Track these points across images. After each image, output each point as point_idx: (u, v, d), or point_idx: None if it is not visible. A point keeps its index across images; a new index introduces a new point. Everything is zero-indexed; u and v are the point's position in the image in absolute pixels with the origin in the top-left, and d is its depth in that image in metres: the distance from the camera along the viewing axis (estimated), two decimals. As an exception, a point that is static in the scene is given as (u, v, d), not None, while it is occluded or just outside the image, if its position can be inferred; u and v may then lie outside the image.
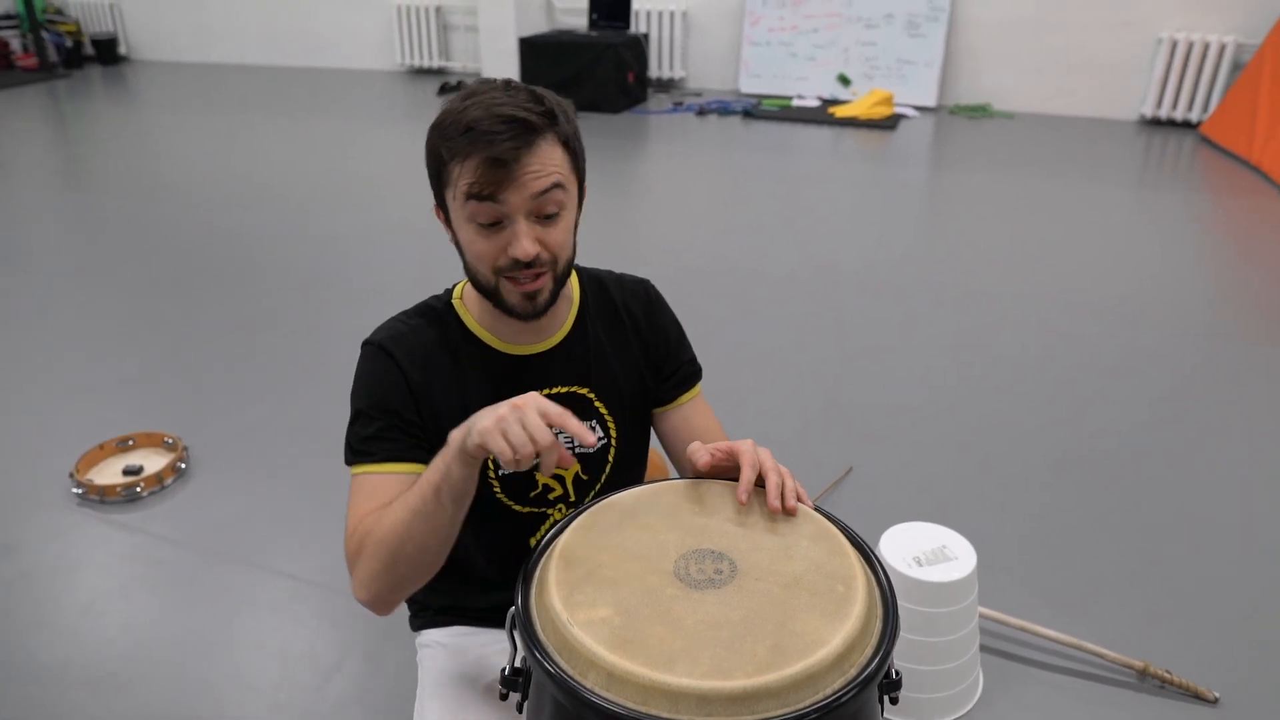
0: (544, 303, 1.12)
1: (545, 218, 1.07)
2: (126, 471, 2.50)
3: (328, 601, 2.11)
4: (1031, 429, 2.81)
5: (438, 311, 1.21)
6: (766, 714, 0.80)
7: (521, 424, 0.93)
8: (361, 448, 1.14)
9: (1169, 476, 2.58)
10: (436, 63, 8.78)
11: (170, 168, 5.86)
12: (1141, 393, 3.02)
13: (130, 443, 2.63)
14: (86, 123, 7.26)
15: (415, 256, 4.24)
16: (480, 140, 1.01)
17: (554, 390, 1.22)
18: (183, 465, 2.55)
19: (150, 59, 9.91)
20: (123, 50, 9.86)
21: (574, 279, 1.27)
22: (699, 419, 1.32)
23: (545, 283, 1.10)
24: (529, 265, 1.07)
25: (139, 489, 2.44)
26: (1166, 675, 1.85)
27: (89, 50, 9.68)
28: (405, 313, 1.22)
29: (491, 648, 1.32)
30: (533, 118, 1.03)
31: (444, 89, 8.03)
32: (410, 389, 1.15)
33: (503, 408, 0.95)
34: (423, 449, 1.14)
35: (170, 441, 2.63)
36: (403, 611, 1.46)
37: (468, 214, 1.06)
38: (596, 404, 1.25)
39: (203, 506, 2.44)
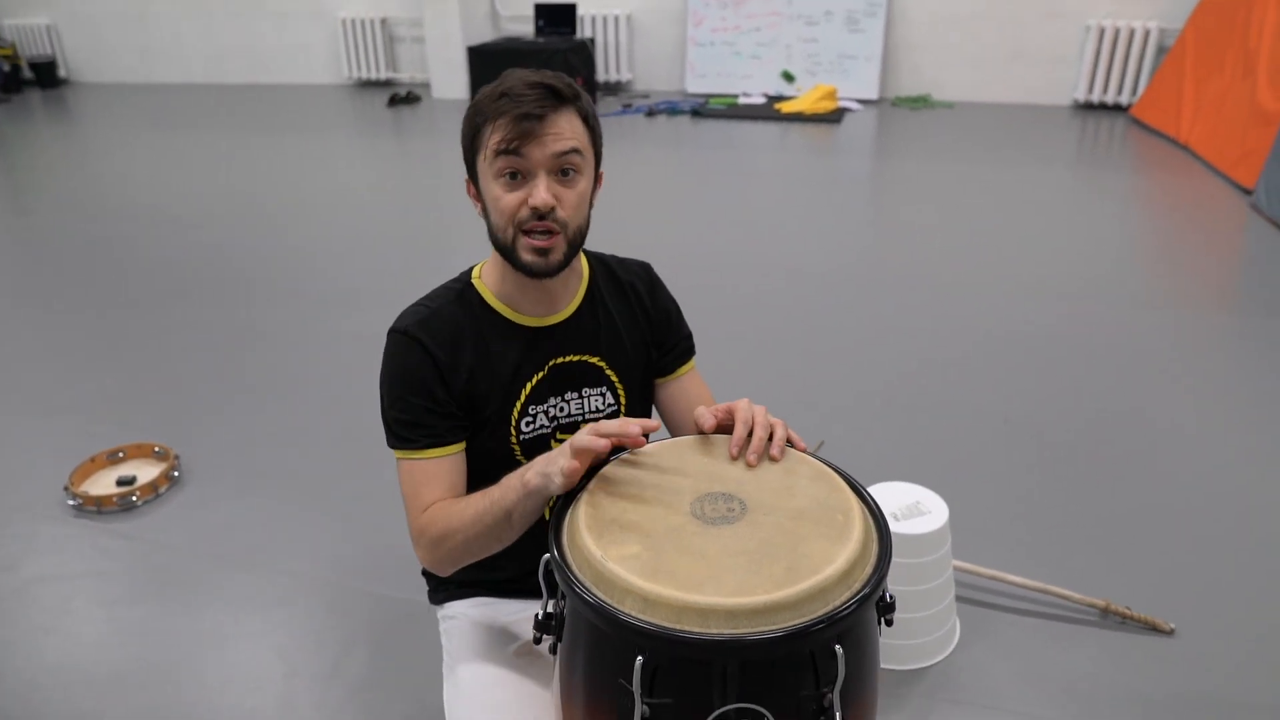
0: (555, 262, 1.21)
1: (563, 174, 1.18)
2: (120, 482, 2.54)
3: (331, 593, 2.18)
4: (988, 399, 2.96)
5: (457, 291, 1.30)
6: (785, 623, 0.91)
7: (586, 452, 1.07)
8: (402, 433, 1.24)
9: (1117, 433, 2.75)
10: (384, 74, 8.80)
11: (120, 188, 5.84)
12: (1086, 360, 3.20)
13: (120, 455, 2.68)
14: (30, 147, 7.18)
15: (377, 263, 4.30)
16: (511, 101, 1.14)
17: (567, 359, 1.32)
18: (176, 474, 2.60)
19: (92, 81, 9.78)
20: (63, 73, 9.72)
21: (583, 258, 1.37)
22: (694, 388, 1.45)
23: (558, 243, 1.20)
24: (543, 218, 1.17)
25: (134, 498, 2.48)
26: (1126, 611, 1.99)
27: (27, 74, 9.52)
28: (426, 296, 1.31)
29: (513, 615, 1.41)
30: (560, 87, 1.16)
31: (393, 100, 8.06)
32: (439, 370, 1.24)
33: (566, 445, 1.09)
34: (458, 427, 1.25)
35: (160, 451, 2.68)
36: (410, 591, 1.54)
37: (495, 170, 1.17)
38: (607, 372, 1.35)
39: (199, 512, 2.49)
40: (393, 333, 1.27)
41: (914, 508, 1.88)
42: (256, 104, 8.38)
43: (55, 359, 3.45)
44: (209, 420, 2.95)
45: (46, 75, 9.46)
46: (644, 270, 1.44)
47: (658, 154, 6.25)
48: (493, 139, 1.16)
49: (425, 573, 1.53)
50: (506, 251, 1.22)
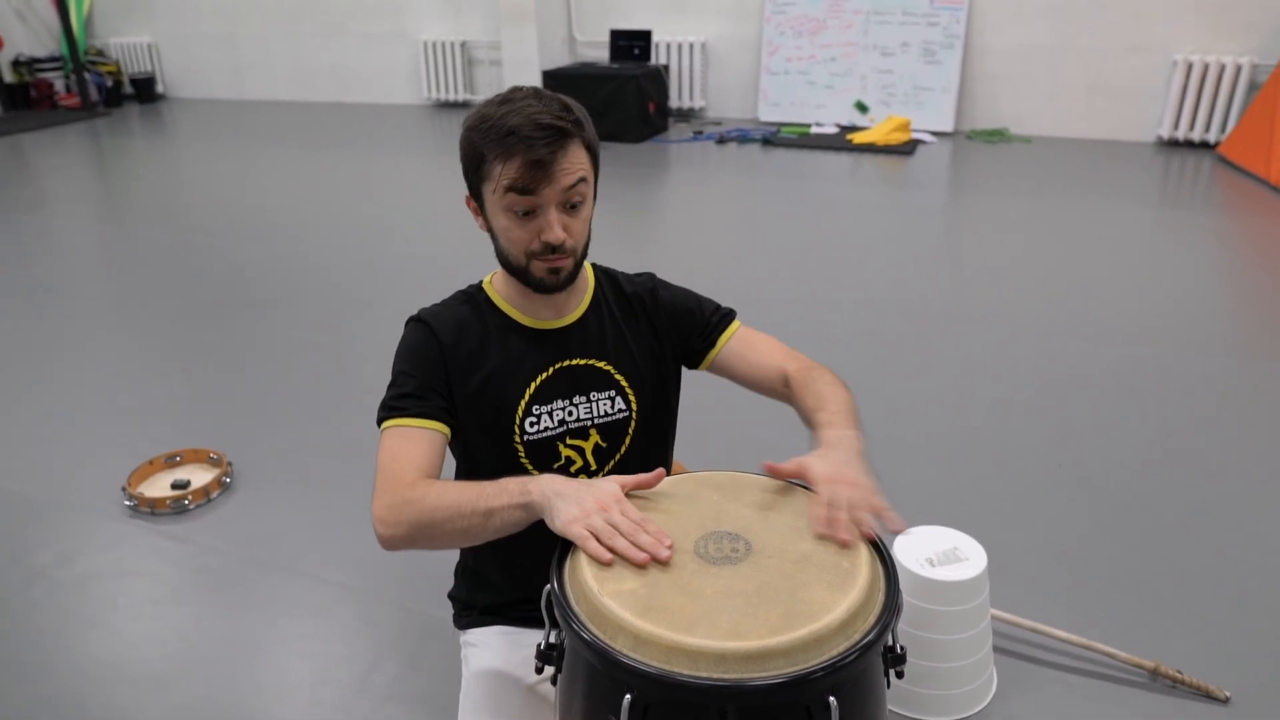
0: (565, 278, 1.30)
1: (571, 207, 1.25)
2: (174, 486, 2.62)
3: (366, 606, 2.21)
4: (1047, 442, 2.87)
5: (470, 294, 1.40)
6: (777, 670, 0.89)
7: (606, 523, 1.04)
8: (395, 404, 1.28)
9: (1182, 485, 2.63)
10: (462, 96, 8.99)
11: (205, 200, 6.06)
12: (1159, 407, 3.08)
13: (178, 459, 2.76)
14: (125, 158, 7.51)
15: (441, 281, 4.36)
16: (522, 144, 1.18)
17: (573, 362, 1.36)
18: (227, 480, 2.67)
19: (186, 96, 10.21)
20: (160, 89, 10.16)
21: (589, 270, 1.44)
22: (752, 341, 1.46)
23: (568, 263, 1.28)
24: (555, 249, 1.24)
25: (187, 502, 2.56)
26: (1177, 675, 1.90)
27: (128, 89, 9.98)
28: (444, 299, 1.41)
29: (530, 649, 1.41)
30: (565, 125, 1.20)
31: (470, 121, 8.22)
32: (442, 353, 1.32)
33: (588, 502, 1.05)
34: (445, 410, 1.30)
35: (215, 457, 2.76)
36: (441, 615, 1.56)
37: (505, 205, 1.23)
38: (616, 376, 1.39)
39: (246, 518, 2.56)
40: (409, 320, 1.37)
41: (951, 554, 1.82)
42: (339, 121, 8.64)
43: (127, 362, 3.59)
44: (264, 429, 3.03)
45: (145, 91, 9.90)
46: (648, 279, 1.48)
47: (726, 181, 6.24)
48: (504, 177, 1.21)
49: (451, 596, 1.55)
50: (518, 273, 1.30)
